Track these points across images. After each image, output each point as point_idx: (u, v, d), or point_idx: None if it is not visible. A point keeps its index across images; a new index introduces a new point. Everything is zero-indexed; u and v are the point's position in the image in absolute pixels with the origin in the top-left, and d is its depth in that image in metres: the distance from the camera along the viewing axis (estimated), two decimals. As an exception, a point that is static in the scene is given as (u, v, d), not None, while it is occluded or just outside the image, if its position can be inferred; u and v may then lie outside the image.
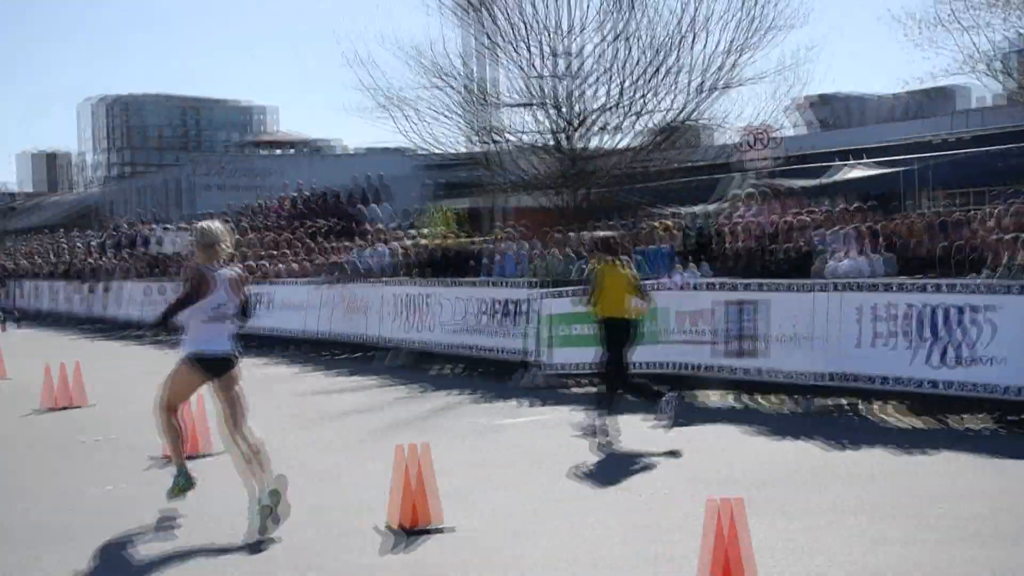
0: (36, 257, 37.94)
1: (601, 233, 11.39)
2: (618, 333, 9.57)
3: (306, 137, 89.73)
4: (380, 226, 20.90)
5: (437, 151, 23.01)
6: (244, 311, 7.00)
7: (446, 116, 21.29)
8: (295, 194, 27.35)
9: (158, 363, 17.27)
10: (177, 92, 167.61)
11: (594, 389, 12.70)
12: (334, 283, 18.20)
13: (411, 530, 6.18)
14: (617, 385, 9.60)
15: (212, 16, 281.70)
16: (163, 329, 8.13)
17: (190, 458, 7.66)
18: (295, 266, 20.33)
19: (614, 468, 8.12)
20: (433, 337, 15.47)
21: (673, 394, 9.54)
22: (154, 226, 30.33)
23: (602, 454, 8.73)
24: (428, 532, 6.17)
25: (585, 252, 13.71)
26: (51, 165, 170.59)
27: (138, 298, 24.90)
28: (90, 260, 30.05)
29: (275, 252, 21.53)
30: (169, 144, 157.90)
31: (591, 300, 9.66)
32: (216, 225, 7.10)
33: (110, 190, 75.07)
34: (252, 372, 15.51)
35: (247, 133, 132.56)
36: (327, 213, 24.31)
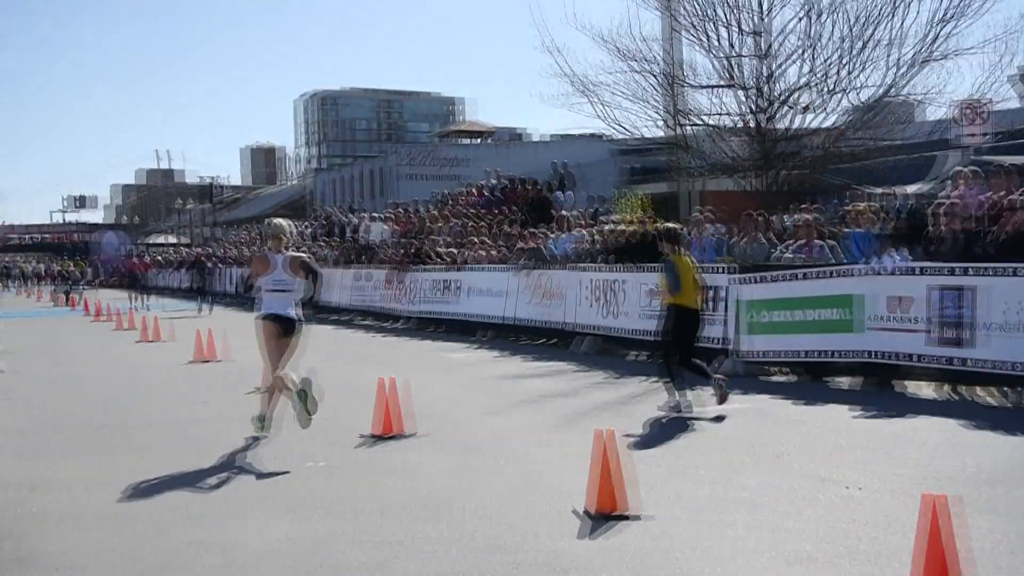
0: (246, 247, 40.28)
1: (667, 224, 11.65)
2: (689, 320, 10.10)
3: (500, 126, 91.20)
4: (573, 212, 20.94)
5: (631, 136, 22.83)
6: (312, 287, 9.21)
7: (640, 100, 21.10)
8: (492, 182, 27.81)
9: (361, 345, 18.05)
10: (379, 86, 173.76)
11: (795, 378, 12.36)
12: (527, 269, 18.37)
13: (606, 516, 6.13)
14: (672, 366, 10.10)
15: (410, 11, 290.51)
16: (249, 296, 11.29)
17: (392, 438, 7.89)
18: (489, 252, 20.67)
19: (817, 459, 7.79)
20: (626, 323, 15.37)
21: (721, 376, 10.15)
22: (362, 215, 31.51)
23: (805, 444, 8.40)
24: (623, 519, 6.11)
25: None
26: (268, 159, 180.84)
27: (347, 284, 25.97)
28: (299, 247, 31.60)
29: (472, 239, 21.95)
30: (371, 136, 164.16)
31: (677, 289, 10.04)
32: (281, 222, 9.47)
33: (318, 181, 78.68)
34: (446, 356, 16.00)
35: (444, 124, 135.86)
36: (520, 200, 24.59)
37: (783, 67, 20.06)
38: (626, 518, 6.12)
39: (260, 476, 7.67)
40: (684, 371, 10.07)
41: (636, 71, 20.82)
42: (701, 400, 10.20)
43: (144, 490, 7.30)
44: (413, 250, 23.24)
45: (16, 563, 5.66)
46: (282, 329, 9.03)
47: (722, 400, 9.91)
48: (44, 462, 8.40)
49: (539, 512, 6.42)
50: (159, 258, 55.69)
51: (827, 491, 6.80)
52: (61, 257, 68.85)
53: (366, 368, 14.33)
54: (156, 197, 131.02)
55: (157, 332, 20.35)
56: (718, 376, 10.17)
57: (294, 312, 9.10)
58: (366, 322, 23.87)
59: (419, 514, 6.45)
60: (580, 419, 9.80)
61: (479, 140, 75.85)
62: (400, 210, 28.15)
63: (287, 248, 9.37)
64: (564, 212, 20.76)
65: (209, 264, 37.07)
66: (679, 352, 10.14)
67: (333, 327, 23.23)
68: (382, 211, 32.56)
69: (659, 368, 10.51)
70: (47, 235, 74.98)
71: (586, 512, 6.23)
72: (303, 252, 9.20)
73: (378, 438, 8.91)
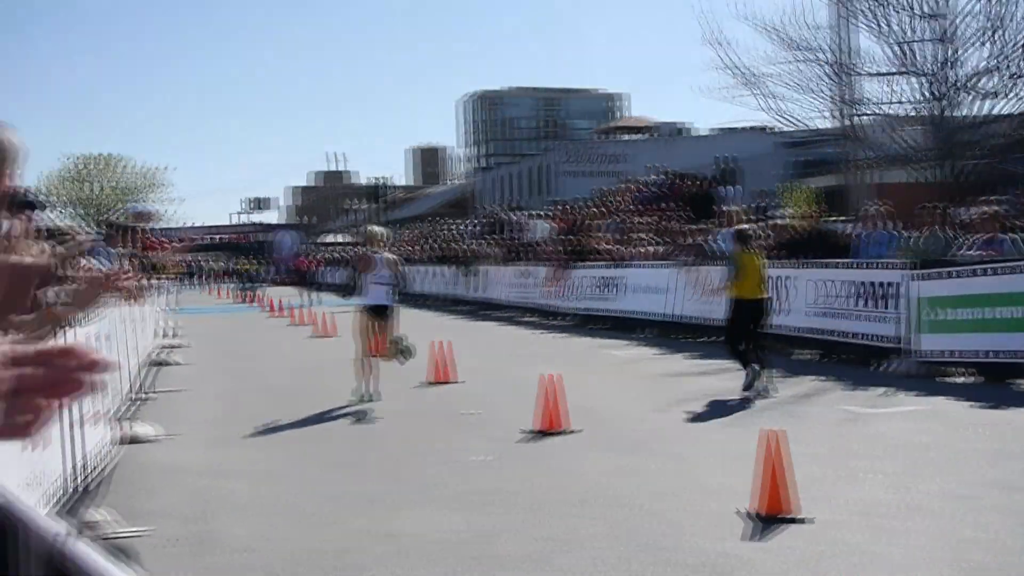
0: (412, 245, 41.36)
1: (738, 226, 12.98)
2: (750, 311, 11.35)
3: (661, 121, 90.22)
4: (736, 207, 20.53)
5: (798, 127, 22.19)
6: (403, 280, 12.00)
7: (808, 90, 20.49)
8: (654, 178, 27.60)
9: (523, 342, 18.25)
10: (541, 84, 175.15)
11: (978, 379, 11.73)
12: (689, 265, 18.14)
13: (771, 518, 6.00)
14: (736, 351, 11.49)
15: (571, 10, 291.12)
16: (351, 290, 13.75)
17: (554, 435, 7.95)
18: (649, 248, 20.52)
19: (999, 466, 7.38)
20: (790, 321, 14.95)
21: (756, 367, 11.17)
22: (523, 213, 31.86)
23: (988, 449, 7.98)
24: (789, 521, 5.97)
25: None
26: (432, 159, 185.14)
27: (507, 280, 26.31)
28: (463, 245, 32.19)
29: (633, 235, 21.85)
30: (533, 134, 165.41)
31: (731, 283, 11.46)
32: (375, 228, 12.34)
33: (480, 180, 79.94)
34: (607, 353, 15.98)
35: (604, 120, 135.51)
36: (683, 195, 24.30)
37: (964, 51, 19.07)
38: (793, 521, 5.97)
39: (427, 469, 7.88)
40: (758, 354, 11.30)
41: (804, 60, 20.25)
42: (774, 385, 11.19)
43: (319, 480, 7.62)
44: (574, 247, 23.31)
45: (201, 544, 6.01)
46: (378, 315, 11.48)
47: (747, 388, 11.04)
48: (227, 451, 8.88)
49: (702, 512, 6.34)
50: (325, 256, 57.93)
51: (1015, 500, 6.44)
52: (240, 256, 72.41)
53: (528, 365, 14.47)
54: (327, 198, 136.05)
55: (332, 328, 21.12)
56: (754, 365, 11.20)
57: (389, 299, 11.53)
58: (528, 319, 24.08)
59: (580, 510, 6.48)
60: (744, 418, 9.61)
61: (640, 136, 75.31)
62: (561, 207, 28.27)
63: (385, 249, 11.80)
64: (728, 207, 20.38)
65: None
66: (736, 338, 11.49)
67: (496, 324, 23.57)
68: (544, 208, 32.81)
69: (730, 354, 11.71)
70: (226, 235, 79.01)
71: (751, 513, 6.12)
72: (391, 253, 11.79)
73: (540, 434, 9.00)
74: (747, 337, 11.37)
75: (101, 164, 61.66)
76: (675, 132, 75.57)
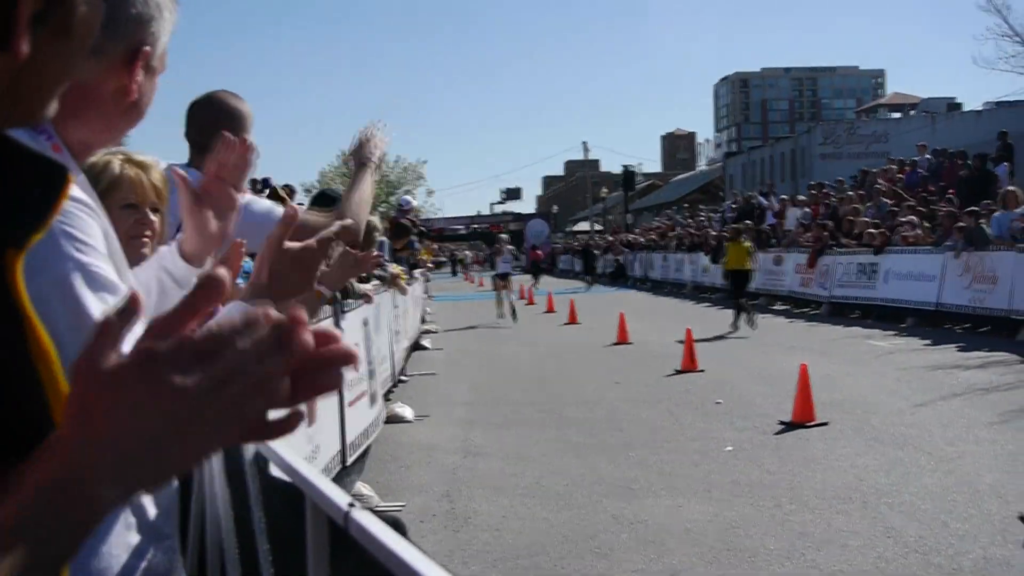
0: (656, 235, 41.17)
1: (733, 225, 20.48)
2: (738, 277, 18.22)
3: (928, 96, 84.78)
4: (1011, 188, 18.95)
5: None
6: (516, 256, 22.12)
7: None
8: (920, 157, 25.98)
9: (777, 331, 17.73)
10: (798, 64, 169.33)
11: None
12: (960, 250, 16.94)
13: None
14: (737, 304, 17.99)
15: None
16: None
17: (810, 427, 7.69)
18: (916, 233, 19.33)
19: None
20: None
21: (745, 313, 17.55)
22: (771, 199, 30.94)
23: None
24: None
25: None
26: (685, 145, 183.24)
27: (761, 268, 25.60)
28: (713, 232, 31.64)
29: (898, 219, 20.67)
30: (788, 116, 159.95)
31: (720, 259, 19.99)
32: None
33: (731, 165, 78.21)
34: (866, 343, 15.23)
35: (865, 98, 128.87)
36: (953, 175, 22.72)
37: None
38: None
39: (676, 457, 7.83)
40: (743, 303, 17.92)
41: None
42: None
43: (566, 463, 7.76)
44: (831, 232, 22.35)
45: (453, 519, 6.28)
46: (504, 279, 21.94)
47: (735, 326, 17.66)
48: (480, 431, 9.21)
49: (973, 515, 5.93)
50: (562, 244, 59.14)
51: None
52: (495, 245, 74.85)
53: (782, 354, 14.06)
54: (576, 186, 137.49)
55: (574, 317, 21.41)
56: (738, 315, 17.69)
57: (509, 268, 21.86)
58: (779, 307, 23.37)
59: (837, 506, 6.24)
60: (1021, 416, 8.89)
61: (904, 113, 71.07)
62: (818, 191, 27.17)
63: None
64: (1008, 187, 18.84)
65: (596, 251, 45.73)
66: (736, 292, 18.37)
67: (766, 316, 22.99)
68: (801, 193, 31.68)
69: (733, 305, 18.37)
70: (481, 225, 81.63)
71: (1019, 516, 5.65)
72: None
73: (795, 426, 8.72)
74: (737, 293, 18.31)
75: (371, 159, 65.44)
76: (944, 108, 70.63)
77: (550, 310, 25.18)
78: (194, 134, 3.40)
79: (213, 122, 3.39)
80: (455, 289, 40.91)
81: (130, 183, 2.37)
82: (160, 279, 1.93)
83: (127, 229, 2.30)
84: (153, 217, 2.42)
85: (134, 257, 2.03)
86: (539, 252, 51.21)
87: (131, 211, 2.37)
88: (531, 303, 29.48)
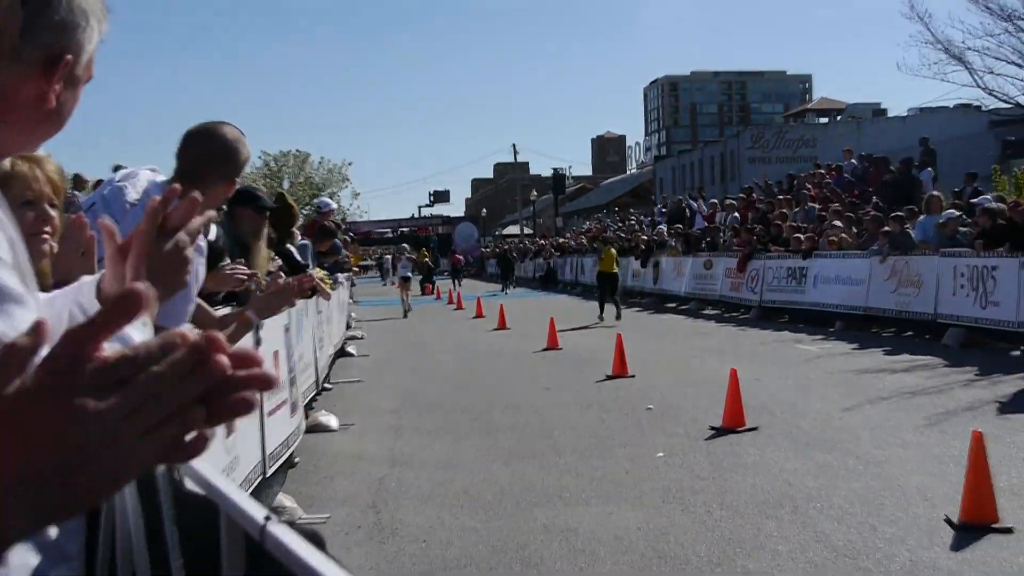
0: (585, 237, 41.47)
1: (604, 235, 26.40)
2: (608, 279, 22.57)
3: (854, 102, 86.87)
4: (935, 193, 19.50)
5: (1013, 105, 20.83)
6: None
7: (1018, 64, 19.22)
8: (849, 163, 26.56)
9: (706, 335, 17.97)
10: (726, 68, 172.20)
11: None
12: (886, 255, 17.36)
13: (979, 527, 5.67)
14: (603, 302, 22.33)
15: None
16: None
17: (739, 432, 7.77)
18: (844, 237, 19.76)
19: None
20: (999, 315, 14.08)
21: (614, 308, 21.74)
22: (700, 203, 31.38)
23: None
24: (999, 531, 5.62)
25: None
26: (615, 148, 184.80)
27: (690, 272, 25.94)
28: (643, 236, 31.96)
29: (826, 224, 21.11)
30: (717, 120, 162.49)
31: (599, 263, 23.19)
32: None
33: (661, 168, 79.12)
34: (796, 348, 15.51)
35: (793, 103, 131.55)
36: (878, 180, 23.28)
37: None
38: (1004, 531, 5.62)
39: (606, 464, 7.86)
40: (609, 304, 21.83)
41: (1011, 32, 18.98)
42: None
43: (496, 471, 7.73)
44: (761, 236, 22.74)
45: (379, 530, 6.21)
46: (406, 281, 27.68)
47: (600, 318, 22.00)
48: (407, 439, 9.15)
49: (901, 518, 6.05)
50: (492, 248, 59.74)
51: None
52: (421, 249, 74.54)
53: (710, 359, 14.24)
54: (509, 189, 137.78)
55: (504, 322, 21.44)
56: (602, 310, 22.32)
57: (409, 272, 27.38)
58: (709, 311, 23.70)
59: (767, 511, 6.32)
60: (946, 419, 9.12)
61: (831, 118, 72.68)
62: (747, 195, 27.63)
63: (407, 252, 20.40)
64: (932, 192, 19.37)
65: (513, 256, 48.52)
66: (603, 294, 22.64)
67: (676, 316, 23.29)
68: (729, 197, 32.16)
69: (601, 301, 22.62)
70: (409, 228, 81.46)
71: (955, 521, 5.79)
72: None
73: (726, 431, 8.83)
74: (605, 292, 22.68)
75: (291, 161, 64.18)
76: (870, 114, 72.41)
77: (479, 315, 25.19)
78: (185, 163, 3.37)
79: (207, 157, 3.34)
80: (385, 293, 40.68)
81: (24, 179, 2.29)
82: (72, 312, 1.87)
83: (27, 227, 2.22)
84: (52, 212, 2.35)
85: (36, 255, 1.98)
86: (459, 257, 52.48)
87: (28, 208, 2.29)
88: (459, 307, 29.48)
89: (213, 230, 4.46)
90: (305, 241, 11.03)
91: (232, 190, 3.54)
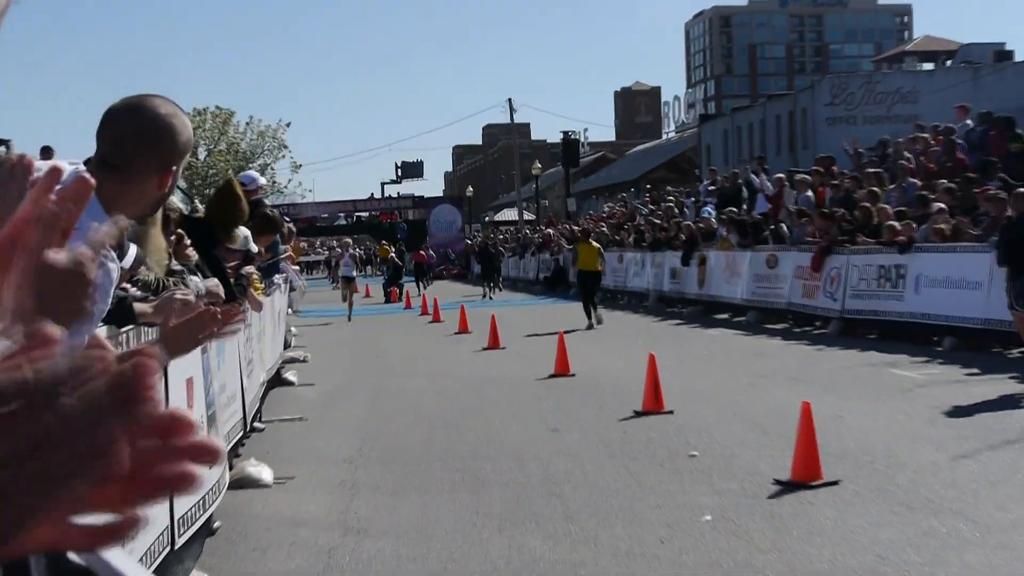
0: (613, 224, 41.49)
1: (583, 227, 32.98)
2: (589, 277, 25.34)
3: (969, 42, 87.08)
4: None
5: None
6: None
7: None
8: (965, 124, 26.57)
9: (771, 356, 17.97)
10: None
11: None
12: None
13: None
14: (587, 306, 24.99)
15: None
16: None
17: (814, 487, 7.76)
18: (956, 226, 19.76)
19: None
20: None
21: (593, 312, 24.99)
22: (763, 178, 31.38)
23: None
24: None
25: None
26: (641, 105, 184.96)
27: (747, 272, 25.93)
28: (684, 224, 31.96)
29: (930, 208, 21.12)
30: (783, 67, 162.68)
31: (574, 261, 29.80)
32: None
33: (707, 132, 79.28)
34: (889, 373, 15.50)
35: (886, 44, 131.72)
36: (1000, 149, 23.31)
37: None
38: None
39: (635, 530, 7.85)
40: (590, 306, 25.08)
41: None
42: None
43: (485, 543, 7.72)
44: (843, 225, 22.76)
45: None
46: (349, 282, 34.50)
47: (589, 328, 24.38)
48: (366, 499, 9.13)
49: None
50: (481, 238, 59.96)
51: None
52: (386, 241, 74.50)
53: (775, 388, 14.24)
54: (503, 160, 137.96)
55: (497, 339, 21.44)
56: (590, 320, 24.90)
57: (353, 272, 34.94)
58: (773, 325, 23.72)
59: None
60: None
61: (938, 64, 72.80)
62: (825, 169, 27.65)
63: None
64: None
65: (495, 250, 48.85)
66: (585, 293, 25.49)
67: (728, 331, 23.29)
68: (802, 169, 32.16)
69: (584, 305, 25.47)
70: (368, 212, 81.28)
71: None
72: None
73: (795, 486, 8.82)
74: (587, 293, 25.58)
75: (209, 121, 63.70)
76: (991, 58, 72.42)
77: (462, 329, 25.21)
78: (106, 147, 3.36)
79: (132, 139, 3.34)
80: (336, 300, 40.66)
81: None
82: None
83: None
84: None
85: None
86: (424, 253, 52.81)
87: None
88: (436, 319, 29.49)
89: (132, 252, 4.44)
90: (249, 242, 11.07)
91: (169, 183, 3.54)
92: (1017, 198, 17.37)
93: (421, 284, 44.17)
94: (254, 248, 11.20)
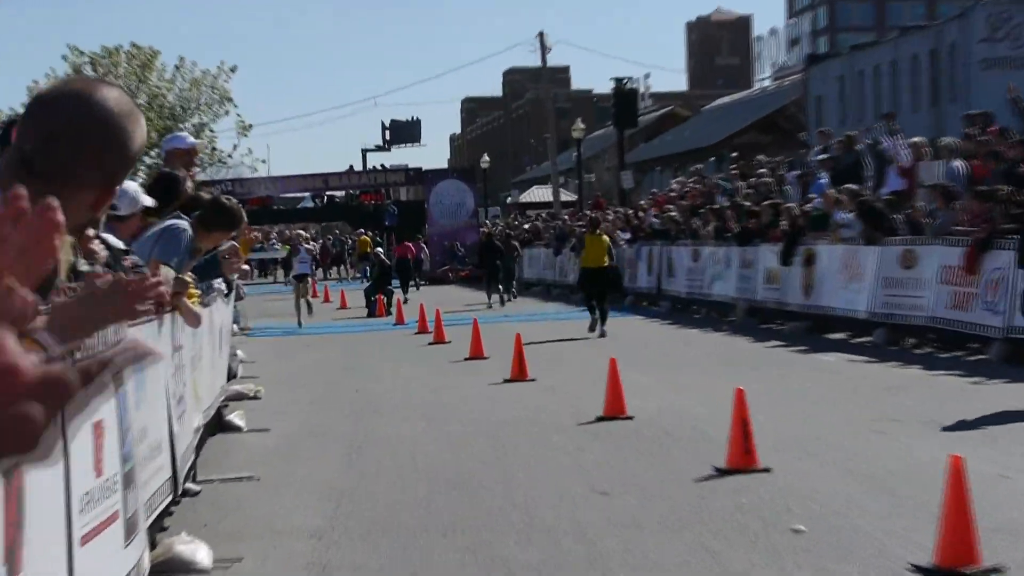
0: (683, 205, 41.38)
1: (590, 215, 38.57)
2: (595, 277, 30.09)
3: None
4: None
5: None
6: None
7: None
8: None
9: (898, 392, 17.90)
10: None
11: None
12: None
13: None
14: (592, 307, 30.24)
15: None
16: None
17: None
18: None
19: None
20: None
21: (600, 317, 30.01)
22: (893, 141, 31.27)
23: None
24: None
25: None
26: (728, 40, 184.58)
27: (869, 272, 25.83)
28: (784, 206, 31.84)
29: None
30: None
31: (579, 256, 33.91)
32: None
33: (815, 78, 79.13)
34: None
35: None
36: None
37: None
38: None
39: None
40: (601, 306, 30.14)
41: None
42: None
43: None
44: (1008, 207, 22.65)
45: None
46: (303, 280, 40.84)
47: (591, 329, 29.73)
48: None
49: None
50: (503, 224, 59.81)
51: None
52: (367, 230, 74.34)
53: (914, 437, 14.21)
54: (529, 117, 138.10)
55: (523, 368, 21.39)
56: (594, 318, 29.89)
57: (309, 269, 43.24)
58: (909, 347, 23.64)
59: None
60: None
61: None
62: (981, 128, 27.56)
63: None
64: None
65: (505, 244, 49.95)
66: (589, 294, 30.42)
67: (846, 357, 23.17)
68: (949, 131, 32.06)
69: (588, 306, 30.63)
70: (344, 191, 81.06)
71: None
72: None
73: (939, 574, 8.79)
74: (592, 295, 29.94)
75: (123, 65, 63.71)
76: None
77: (476, 354, 25.19)
78: (30, 145, 3.38)
79: (74, 136, 3.36)
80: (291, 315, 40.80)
81: None
82: None
83: None
84: None
85: None
86: (409, 245, 53.02)
87: None
88: (439, 338, 29.49)
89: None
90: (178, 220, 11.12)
91: (106, 205, 3.57)
92: None
93: (408, 287, 46.09)
94: (146, 200, 10.90)
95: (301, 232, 46.91)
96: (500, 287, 45.89)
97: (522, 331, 24.46)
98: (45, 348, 3.59)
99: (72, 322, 3.68)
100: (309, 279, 39.59)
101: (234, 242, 13.15)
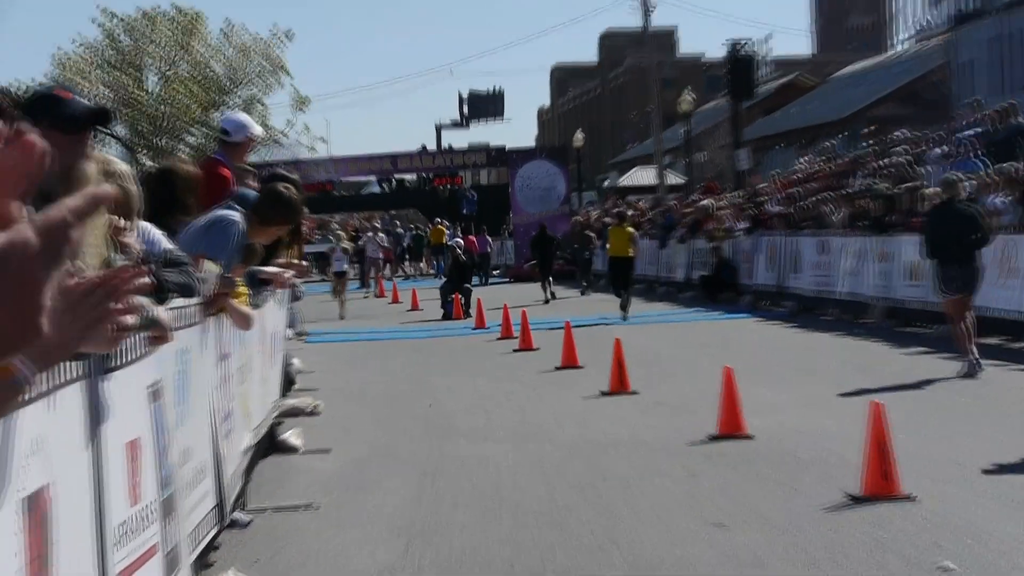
0: (806, 191, 41.21)
1: (617, 209, 52.43)
2: (620, 265, 39.87)
3: None
4: None
5: None
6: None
7: None
8: None
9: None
10: None
11: None
12: None
13: None
14: (619, 293, 39.60)
15: None
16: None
17: None
18: None
19: None
20: None
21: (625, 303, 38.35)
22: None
23: None
24: None
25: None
26: (853, 1, 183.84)
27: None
28: (927, 189, 31.65)
29: None
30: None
31: (606, 245, 46.55)
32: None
33: (963, 40, 78.70)
34: None
35: None
36: None
37: None
38: None
39: None
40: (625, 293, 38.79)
41: None
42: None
43: None
44: None
45: None
46: (342, 277, 50.03)
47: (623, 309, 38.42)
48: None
49: None
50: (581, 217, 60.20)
51: None
52: (438, 221, 74.42)
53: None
54: (631, 88, 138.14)
55: (624, 379, 21.35)
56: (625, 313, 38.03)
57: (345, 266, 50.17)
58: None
59: None
60: None
61: None
62: None
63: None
64: None
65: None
66: (615, 282, 40.59)
67: (1004, 365, 23.00)
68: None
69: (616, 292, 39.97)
70: (416, 173, 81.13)
71: None
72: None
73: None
74: (619, 283, 39.61)
75: (164, 31, 63.51)
76: None
77: (569, 363, 25.17)
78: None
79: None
80: (370, 314, 40.90)
81: None
82: None
83: None
84: None
85: None
86: (473, 239, 53.51)
87: None
88: (527, 346, 29.46)
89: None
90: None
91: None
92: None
93: (473, 280, 47.07)
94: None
95: (335, 225, 49.21)
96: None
97: (624, 336, 24.41)
98: (21, 376, 3.50)
99: (51, 339, 3.49)
100: (346, 275, 43.45)
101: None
